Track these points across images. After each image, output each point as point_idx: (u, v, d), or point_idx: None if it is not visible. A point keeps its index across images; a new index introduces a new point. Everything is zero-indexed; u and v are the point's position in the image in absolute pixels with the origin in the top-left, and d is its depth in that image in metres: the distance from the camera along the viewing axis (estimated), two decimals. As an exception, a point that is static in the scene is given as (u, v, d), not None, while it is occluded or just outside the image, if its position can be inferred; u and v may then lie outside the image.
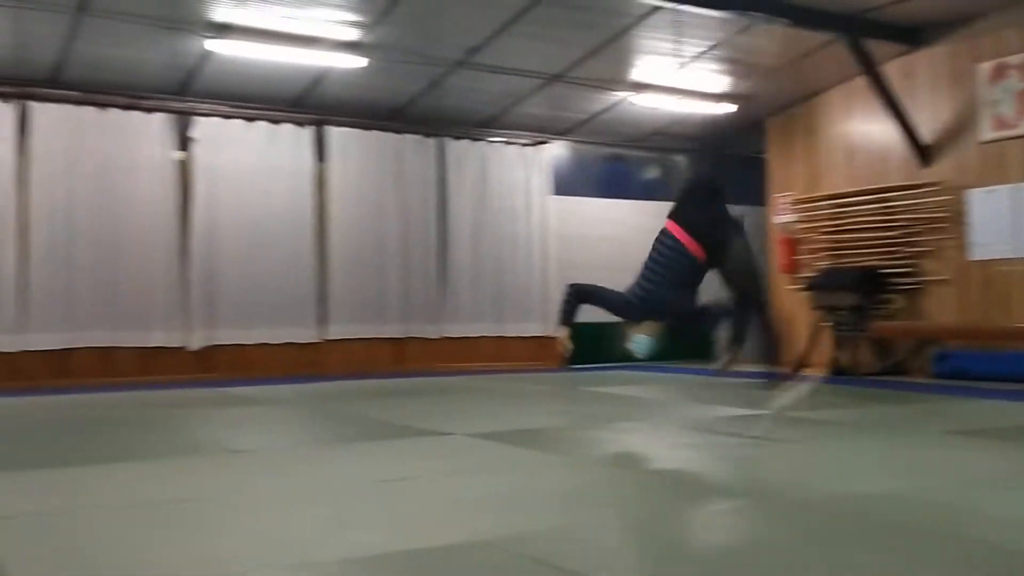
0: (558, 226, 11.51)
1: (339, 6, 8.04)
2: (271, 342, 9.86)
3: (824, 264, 10.69)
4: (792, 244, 11.16)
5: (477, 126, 11.10)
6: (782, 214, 11.45)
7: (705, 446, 4.66)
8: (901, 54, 9.69)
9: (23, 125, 8.86)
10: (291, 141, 10.04)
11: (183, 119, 9.56)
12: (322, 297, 10.13)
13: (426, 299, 10.69)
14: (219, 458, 4.45)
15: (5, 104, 8.80)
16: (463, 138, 11.04)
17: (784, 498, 3.33)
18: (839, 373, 9.77)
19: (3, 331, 8.65)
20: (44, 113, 8.92)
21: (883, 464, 4.10)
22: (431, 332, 10.70)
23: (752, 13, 8.31)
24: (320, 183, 10.24)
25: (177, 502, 3.36)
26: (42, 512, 3.22)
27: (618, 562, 2.56)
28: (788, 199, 11.42)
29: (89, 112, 9.11)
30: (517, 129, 11.24)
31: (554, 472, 3.97)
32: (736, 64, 9.87)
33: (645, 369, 10.17)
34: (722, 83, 10.39)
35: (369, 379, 9.42)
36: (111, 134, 9.19)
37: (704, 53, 9.45)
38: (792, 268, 11.21)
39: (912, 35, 9.40)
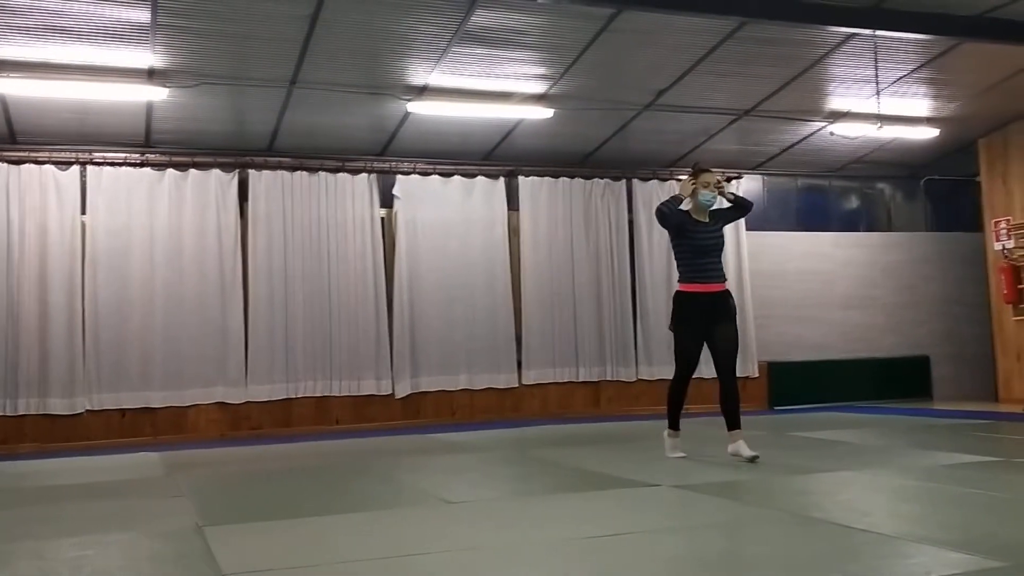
0: (754, 262, 11.23)
1: (527, 61, 8.26)
2: (472, 388, 10.13)
3: (1051, 292, 9.88)
4: (1014, 272, 10.39)
5: (665, 166, 11.05)
6: (1001, 240, 10.69)
7: (931, 500, 4.37)
8: None
9: (243, 192, 9.61)
10: (485, 193, 10.37)
11: (385, 178, 10.08)
12: (519, 342, 10.32)
13: (620, 342, 10.67)
14: (435, 509, 4.60)
15: (227, 174, 9.57)
16: (651, 179, 11.01)
17: (1032, 562, 3.08)
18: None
19: (231, 384, 9.33)
20: (261, 180, 9.64)
21: None
22: (626, 375, 10.66)
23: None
24: (513, 231, 10.48)
25: (403, 557, 3.49)
26: (278, 567, 3.41)
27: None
28: (1007, 224, 10.65)
29: (301, 177, 9.77)
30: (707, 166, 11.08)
31: (771, 530, 3.84)
32: (940, 86, 9.36)
33: (856, 410, 9.70)
34: (926, 106, 9.88)
35: (566, 423, 9.47)
36: (321, 195, 9.81)
37: (904, 77, 9.03)
38: (1015, 297, 10.43)
39: None
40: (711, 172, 6.06)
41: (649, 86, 8.99)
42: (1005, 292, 10.48)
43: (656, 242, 10.95)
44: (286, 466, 6.62)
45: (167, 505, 5.00)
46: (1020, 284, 10.32)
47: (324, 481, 5.78)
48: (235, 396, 9.35)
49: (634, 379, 10.69)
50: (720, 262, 5.95)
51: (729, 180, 6.11)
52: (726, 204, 6.16)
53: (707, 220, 5.98)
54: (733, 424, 5.85)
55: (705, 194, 5.93)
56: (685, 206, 6.00)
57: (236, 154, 9.60)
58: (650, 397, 10.67)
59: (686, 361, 5.94)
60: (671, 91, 9.03)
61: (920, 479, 4.99)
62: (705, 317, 5.82)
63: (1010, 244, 10.52)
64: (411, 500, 4.93)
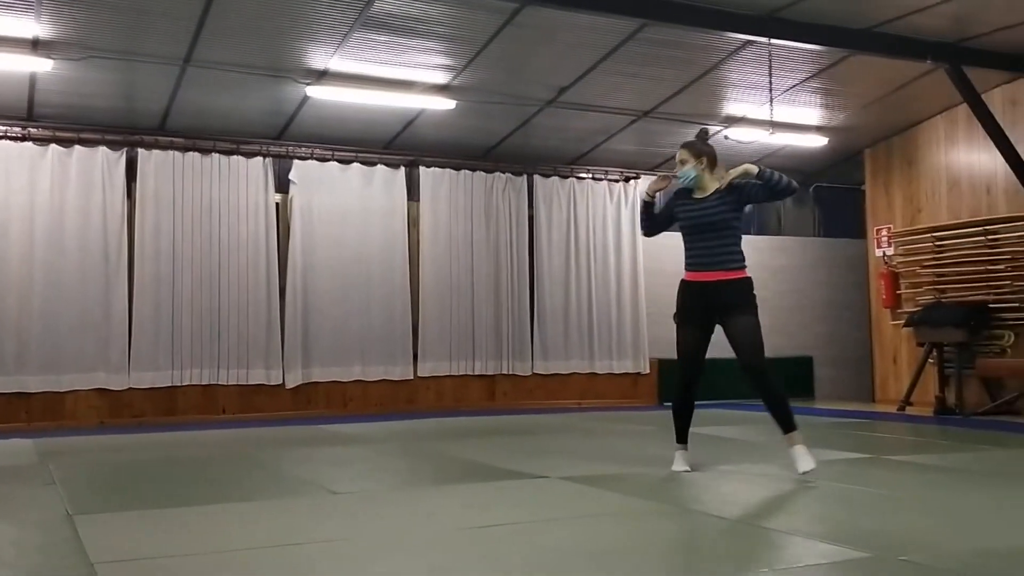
0: (649, 261, 11.43)
1: (431, 51, 8.20)
2: (366, 379, 10.01)
3: (927, 299, 10.35)
4: (893, 278, 10.85)
5: (566, 163, 11.14)
6: (882, 247, 11.15)
7: (806, 494, 4.52)
8: (1006, 81, 9.40)
9: (131, 171, 9.26)
10: (384, 182, 10.25)
11: (282, 163, 9.87)
12: (415, 334, 10.25)
13: (517, 336, 10.72)
14: (319, 499, 4.52)
15: (115, 152, 9.21)
16: (552, 175, 11.09)
17: (904, 554, 3.21)
18: (945, 412, 9.41)
19: (112, 370, 9.00)
20: (150, 159, 9.31)
21: (1001, 516, 3.91)
22: (522, 369, 10.72)
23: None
24: (412, 222, 10.41)
25: (281, 547, 3.42)
26: (152, 556, 3.31)
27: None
28: (888, 232, 11.11)
29: (193, 158, 9.47)
30: (606, 165, 11.24)
31: (652, 521, 3.91)
32: (831, 96, 9.70)
33: (741, 408, 9.98)
34: (816, 115, 10.22)
35: (461, 416, 9.46)
36: (213, 178, 9.53)
37: (797, 85, 9.32)
38: (894, 303, 10.89)
39: (1017, 62, 9.08)
40: (683, 147, 5.25)
41: (552, 83, 9.04)
42: (884, 297, 10.93)
43: (555, 238, 11.03)
44: (168, 455, 6.42)
45: (37, 493, 4.78)
46: (899, 290, 10.78)
47: (206, 471, 5.63)
48: (116, 382, 9.01)
49: (529, 373, 10.74)
50: (721, 245, 5.04)
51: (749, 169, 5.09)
52: (713, 184, 5.18)
53: (706, 196, 5.15)
54: (782, 427, 4.93)
55: (681, 172, 5.19)
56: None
57: (125, 132, 9.26)
58: (545, 391, 10.78)
59: (681, 360, 5.22)
60: (573, 89, 9.10)
61: (796, 474, 5.15)
62: (701, 310, 5.08)
63: (890, 251, 10.97)
64: (294, 490, 4.84)
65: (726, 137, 10.19)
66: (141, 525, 3.88)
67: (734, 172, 5.05)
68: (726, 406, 10.76)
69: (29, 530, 3.85)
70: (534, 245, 10.96)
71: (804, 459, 4.78)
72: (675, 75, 8.99)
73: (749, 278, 5.09)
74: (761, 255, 12.25)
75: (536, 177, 11.03)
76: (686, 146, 5.23)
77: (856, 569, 3.04)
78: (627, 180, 11.41)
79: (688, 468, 5.15)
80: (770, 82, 8.93)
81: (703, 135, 5.30)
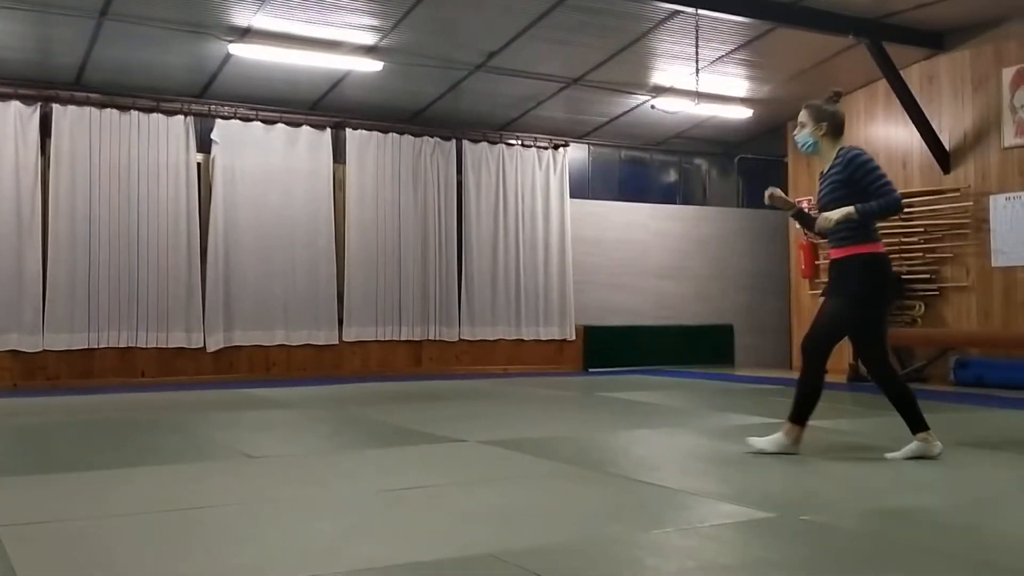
0: (576, 229, 11.51)
1: (358, 10, 8.07)
2: (289, 344, 9.92)
3: (844, 269, 10.63)
4: (812, 249, 11.11)
5: (495, 129, 11.11)
6: (802, 218, 11.39)
7: (718, 458, 4.64)
8: (924, 58, 9.64)
9: (46, 127, 8.96)
10: (310, 143, 10.10)
11: (204, 121, 9.64)
12: (340, 299, 10.17)
13: (444, 302, 10.71)
14: (236, 463, 4.48)
15: (28, 107, 8.90)
16: (481, 141, 11.05)
17: (806, 514, 3.32)
18: (858, 380, 9.71)
19: (26, 331, 8.76)
20: (66, 116, 9.01)
21: (897, 479, 4.07)
22: (448, 335, 10.73)
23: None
24: (338, 185, 10.29)
25: (194, 509, 3.39)
26: (59, 519, 3.26)
27: (626, 579, 2.56)
28: (808, 203, 11.35)
29: (111, 115, 9.19)
30: (536, 132, 11.25)
31: (566, 484, 3.97)
32: (755, 68, 9.83)
33: (663, 374, 10.15)
34: (742, 87, 10.35)
35: (387, 381, 9.45)
36: (132, 136, 9.27)
37: (723, 57, 9.43)
38: (812, 273, 11.16)
39: (935, 40, 9.34)
40: (804, 108, 4.66)
41: (480, 47, 8.99)
42: (803, 268, 11.21)
43: (484, 205, 11.02)
44: (82, 419, 6.28)
45: (-61, 457, 4.65)
46: (817, 261, 11.05)
47: (120, 435, 5.53)
48: (30, 344, 8.77)
49: (456, 339, 10.77)
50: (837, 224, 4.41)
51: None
52: (833, 154, 4.58)
53: (825, 171, 4.63)
54: (910, 426, 4.49)
55: (799, 136, 4.68)
56: None
57: (40, 87, 8.94)
58: (471, 357, 10.82)
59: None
60: (502, 54, 9.06)
61: (711, 438, 5.29)
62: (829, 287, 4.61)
63: (810, 223, 11.22)
64: (211, 454, 4.79)
65: (652, 107, 10.27)
66: (48, 489, 3.80)
67: (835, 216, 4.38)
68: (648, 372, 10.97)
69: (-70, 494, 3.74)
70: (462, 211, 10.93)
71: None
72: (604, 43, 9.02)
73: (854, 256, 4.41)
74: (686, 225, 12.46)
75: (465, 142, 10.98)
76: (808, 107, 4.60)
77: (759, 527, 3.14)
78: (556, 148, 11.44)
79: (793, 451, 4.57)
80: (696, 53, 9.01)
81: (834, 97, 4.66)
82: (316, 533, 3.03)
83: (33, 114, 8.91)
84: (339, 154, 10.28)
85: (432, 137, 10.78)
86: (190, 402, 7.40)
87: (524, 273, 11.17)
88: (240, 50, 8.42)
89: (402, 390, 8.46)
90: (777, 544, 2.96)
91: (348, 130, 10.32)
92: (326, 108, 10.15)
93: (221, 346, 9.54)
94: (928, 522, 3.26)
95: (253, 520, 3.27)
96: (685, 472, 4.31)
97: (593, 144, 11.79)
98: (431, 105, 10.37)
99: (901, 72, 9.28)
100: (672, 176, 12.53)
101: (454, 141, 10.93)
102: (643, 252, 12.06)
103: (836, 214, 4.38)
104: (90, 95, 9.11)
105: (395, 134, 10.56)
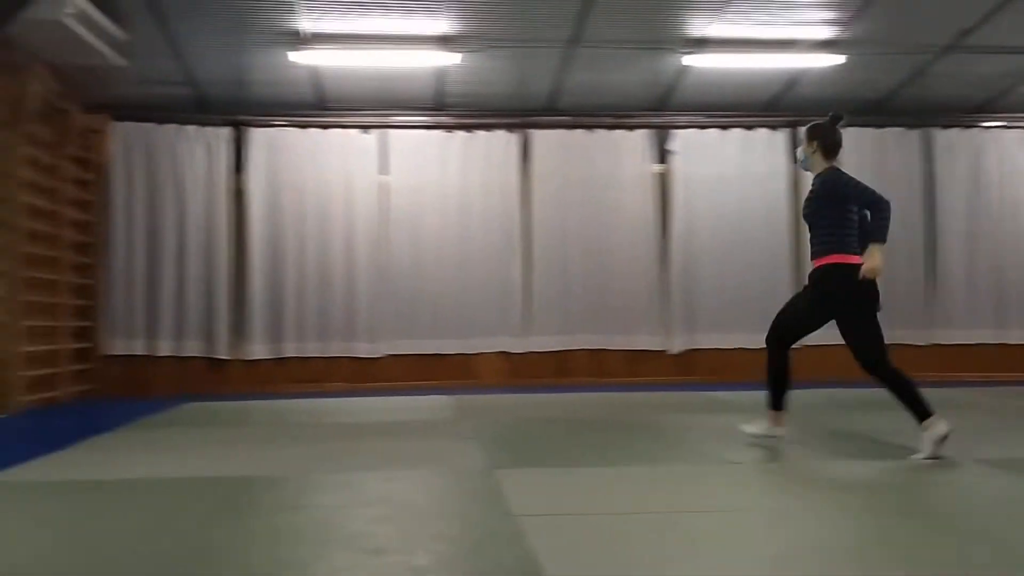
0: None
1: (813, 6, 7.86)
2: (748, 347, 9.89)
3: None
4: None
5: (968, 112, 10.13)
6: None
7: None
8: None
9: (525, 151, 9.95)
10: (765, 146, 10.04)
11: (662, 133, 10.04)
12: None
13: (912, 302, 10.00)
14: (716, 468, 4.61)
15: (511, 134, 9.94)
16: (952, 126, 10.15)
17: None
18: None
19: (512, 334, 9.79)
20: (542, 138, 9.93)
21: None
22: (919, 339, 9.96)
23: None
24: (793, 185, 10.07)
25: (678, 512, 3.55)
26: (571, 512, 3.56)
27: None
28: None
29: (579, 135, 9.95)
30: (1019, 112, 10.06)
31: None
32: None
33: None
34: None
35: (847, 388, 9.00)
36: (598, 152, 9.95)
37: None
38: None
39: None
40: (808, 126, 5.16)
41: (950, 27, 8.25)
42: None
43: (957, 196, 10.11)
44: (562, 415, 6.87)
45: (458, 447, 5.37)
46: None
47: (599, 433, 5.95)
48: (517, 346, 9.78)
49: (927, 343, 9.98)
50: (817, 235, 5.00)
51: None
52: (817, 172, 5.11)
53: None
54: (916, 417, 4.68)
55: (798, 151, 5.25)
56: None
57: (520, 115, 9.92)
58: (944, 363, 9.94)
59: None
60: (977, 32, 8.23)
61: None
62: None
63: None
64: (684, 457, 4.98)
65: None
66: (550, 481, 4.21)
67: (879, 259, 4.73)
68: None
69: (456, 480, 4.36)
70: (933, 203, 10.13)
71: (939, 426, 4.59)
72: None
73: (827, 267, 4.90)
74: None
75: (934, 130, 10.16)
76: (806, 126, 5.16)
77: None
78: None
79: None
80: None
81: (832, 120, 5.07)
82: (795, 550, 3.01)
83: (515, 140, 9.93)
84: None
85: (896, 127, 10.14)
86: (656, 403, 7.73)
87: (1006, 267, 10.08)
88: (695, 60, 8.63)
89: (861, 397, 8.00)
90: None
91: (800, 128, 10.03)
92: (781, 108, 9.98)
93: (683, 348, 9.85)
94: None
95: (729, 528, 3.32)
96: None
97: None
98: (893, 94, 9.74)
99: None
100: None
101: (920, 130, 10.16)
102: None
103: (878, 258, 4.71)
104: (561, 118, 9.93)
105: (856, 127, 10.04)
